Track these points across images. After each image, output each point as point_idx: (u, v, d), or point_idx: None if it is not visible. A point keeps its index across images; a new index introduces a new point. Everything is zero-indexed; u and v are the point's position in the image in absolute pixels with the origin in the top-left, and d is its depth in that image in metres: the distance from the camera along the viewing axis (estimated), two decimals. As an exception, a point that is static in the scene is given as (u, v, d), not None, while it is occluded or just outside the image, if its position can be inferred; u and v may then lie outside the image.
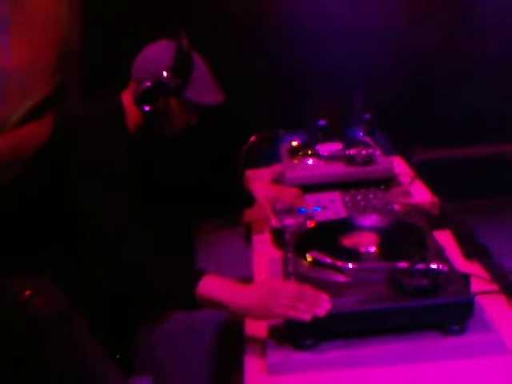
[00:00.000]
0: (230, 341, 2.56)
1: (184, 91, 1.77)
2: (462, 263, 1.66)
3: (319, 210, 1.96)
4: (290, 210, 1.97)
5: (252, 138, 3.72)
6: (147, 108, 1.74)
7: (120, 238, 1.51)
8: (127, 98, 1.79)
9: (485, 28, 4.52)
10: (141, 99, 1.74)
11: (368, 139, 2.64)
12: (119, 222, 1.54)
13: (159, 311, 3.05)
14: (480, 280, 1.55)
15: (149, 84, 1.72)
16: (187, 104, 1.80)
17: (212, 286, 1.39)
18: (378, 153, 2.28)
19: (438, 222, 1.94)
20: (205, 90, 1.81)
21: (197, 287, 1.38)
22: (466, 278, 1.36)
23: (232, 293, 1.38)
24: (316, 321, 1.27)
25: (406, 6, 4.58)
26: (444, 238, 1.77)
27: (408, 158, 2.83)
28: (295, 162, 2.35)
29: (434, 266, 1.33)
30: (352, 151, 2.26)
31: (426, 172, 3.00)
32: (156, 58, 1.77)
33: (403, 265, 1.35)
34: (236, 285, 1.41)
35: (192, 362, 2.78)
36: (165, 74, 1.72)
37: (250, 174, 2.20)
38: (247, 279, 1.68)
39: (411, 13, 4.61)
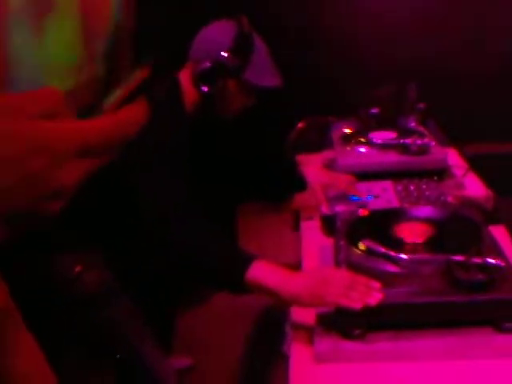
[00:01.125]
0: (271, 327, 2.55)
1: (243, 73, 1.75)
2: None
3: (371, 198, 1.93)
4: (342, 197, 1.95)
5: (300, 124, 3.71)
6: (206, 89, 1.73)
7: (176, 218, 1.51)
8: (185, 77, 1.78)
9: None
10: (199, 79, 1.73)
11: (422, 129, 2.58)
12: (176, 202, 1.54)
13: (202, 293, 3.07)
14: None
15: (208, 64, 1.71)
16: (246, 86, 1.79)
17: (263, 271, 1.38)
18: (432, 143, 2.23)
19: (493, 217, 1.88)
20: (264, 72, 1.80)
21: (247, 272, 1.37)
22: (521, 275, 1.32)
23: (283, 280, 1.37)
24: (366, 310, 1.25)
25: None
26: (498, 234, 1.73)
27: (461, 151, 2.77)
28: (348, 149, 2.32)
29: (490, 261, 1.29)
30: (407, 140, 2.22)
31: (479, 165, 2.94)
32: (216, 38, 1.76)
33: (459, 258, 1.32)
34: (287, 272, 1.39)
35: (232, 345, 2.79)
36: (225, 54, 1.71)
37: (302, 159, 2.17)
38: (292, 266, 1.66)
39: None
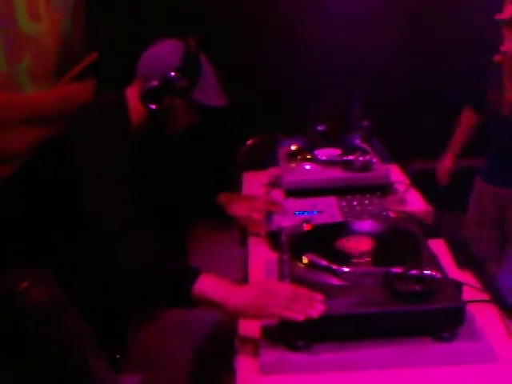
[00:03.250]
0: (221, 341, 2.57)
1: (190, 92, 1.78)
2: (454, 272, 1.68)
3: (316, 213, 1.97)
4: (287, 213, 1.99)
5: (249, 142, 3.75)
6: (153, 106, 1.75)
7: (123, 232, 1.53)
8: (132, 93, 1.81)
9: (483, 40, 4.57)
10: (147, 97, 1.75)
11: (366, 146, 2.65)
12: (124, 216, 1.56)
13: (151, 310, 3.06)
14: (471, 289, 1.57)
15: (156, 83, 1.74)
16: (192, 105, 1.82)
17: (208, 285, 1.42)
18: (375, 160, 2.30)
19: (432, 231, 1.95)
20: (210, 92, 1.83)
21: (193, 286, 1.41)
22: (458, 286, 1.38)
23: (228, 293, 1.41)
24: (309, 322, 1.29)
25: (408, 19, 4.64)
26: (437, 247, 1.79)
27: (404, 167, 2.85)
28: (293, 165, 2.36)
29: (427, 273, 1.35)
30: (350, 157, 2.28)
31: (420, 181, 3.02)
32: (164, 57, 1.78)
33: (397, 270, 1.37)
34: (231, 285, 1.43)
35: (183, 361, 2.80)
36: (172, 74, 1.74)
37: (224, 197, 2.20)
38: (241, 282, 1.69)
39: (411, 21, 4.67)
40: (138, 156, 1.76)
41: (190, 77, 1.76)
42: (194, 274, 1.43)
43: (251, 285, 1.59)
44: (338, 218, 1.92)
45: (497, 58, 2.70)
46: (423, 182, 2.93)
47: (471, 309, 1.44)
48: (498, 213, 2.94)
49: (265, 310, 1.36)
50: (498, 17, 2.67)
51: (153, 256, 1.51)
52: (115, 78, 1.96)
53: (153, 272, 1.48)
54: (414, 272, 1.35)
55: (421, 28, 4.69)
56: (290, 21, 4.56)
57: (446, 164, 3.30)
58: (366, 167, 2.23)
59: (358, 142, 2.98)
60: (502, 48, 2.64)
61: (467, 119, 3.15)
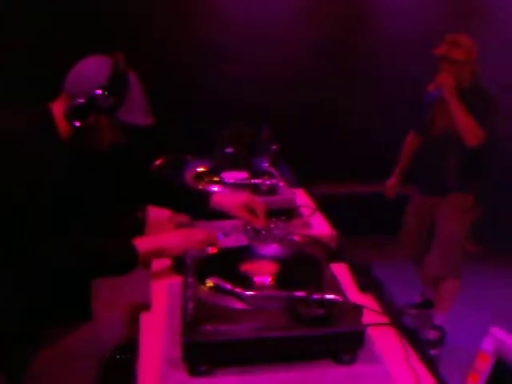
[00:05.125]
0: (122, 367, 2.50)
1: (116, 111, 1.76)
2: (356, 295, 1.71)
3: (221, 236, 1.97)
4: None
5: (158, 161, 3.71)
6: (78, 123, 1.72)
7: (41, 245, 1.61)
8: (58, 109, 1.77)
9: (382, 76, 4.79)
10: (72, 114, 1.72)
11: (273, 170, 2.68)
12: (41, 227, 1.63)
13: (50, 335, 2.94)
14: (372, 312, 1.61)
15: (82, 100, 1.71)
16: (118, 123, 1.79)
17: (146, 243, 1.79)
18: (281, 184, 2.33)
19: (336, 255, 1.99)
20: (137, 111, 1.81)
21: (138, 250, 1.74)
22: (358, 310, 1.41)
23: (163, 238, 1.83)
24: (212, 347, 1.28)
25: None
26: (340, 271, 1.83)
27: (310, 191, 2.90)
28: (200, 187, 2.36)
29: (329, 297, 1.37)
30: (257, 181, 2.30)
31: (326, 205, 3.09)
32: (91, 74, 1.74)
33: (300, 294, 1.38)
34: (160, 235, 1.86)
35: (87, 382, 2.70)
36: (99, 92, 1.71)
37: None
38: (142, 306, 1.68)
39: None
40: (70, 167, 1.78)
41: (116, 95, 1.74)
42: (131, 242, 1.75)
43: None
44: (244, 242, 1.93)
45: (430, 87, 3.32)
46: (330, 205, 2.99)
47: (372, 332, 1.48)
48: (425, 218, 3.56)
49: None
50: (435, 52, 3.26)
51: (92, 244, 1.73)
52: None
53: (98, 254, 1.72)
54: (316, 296, 1.37)
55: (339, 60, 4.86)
56: (202, 43, 4.59)
57: (391, 181, 3.84)
58: (272, 191, 2.26)
59: (265, 165, 3.01)
60: (437, 79, 3.24)
61: (410, 142, 3.75)
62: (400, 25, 4.71)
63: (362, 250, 3.12)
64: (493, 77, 3.32)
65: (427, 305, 3.73)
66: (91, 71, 1.76)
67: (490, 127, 3.23)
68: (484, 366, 0.98)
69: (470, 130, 3.19)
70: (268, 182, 2.26)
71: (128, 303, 2.03)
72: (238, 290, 1.43)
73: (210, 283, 1.47)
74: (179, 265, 1.77)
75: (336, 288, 1.47)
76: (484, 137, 3.20)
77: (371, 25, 4.84)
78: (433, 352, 3.31)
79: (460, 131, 3.22)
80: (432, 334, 3.45)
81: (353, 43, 4.84)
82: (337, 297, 1.38)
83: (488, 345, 0.99)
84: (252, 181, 2.34)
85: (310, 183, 3.70)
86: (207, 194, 2.15)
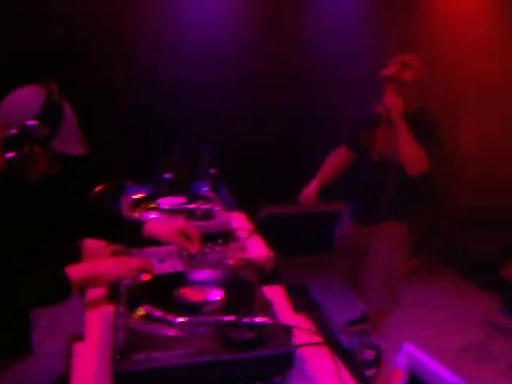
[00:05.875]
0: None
1: (50, 141, 1.75)
2: (290, 317, 1.73)
3: (157, 263, 1.97)
4: None
5: (97, 189, 3.68)
6: (10, 154, 1.70)
7: None
8: None
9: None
10: (5, 145, 1.70)
11: (210, 194, 2.70)
12: None
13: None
14: (306, 332, 1.63)
15: (14, 131, 1.69)
16: (52, 153, 1.79)
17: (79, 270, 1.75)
18: (217, 208, 2.35)
19: (272, 277, 2.02)
20: (71, 141, 1.81)
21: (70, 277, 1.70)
22: (288, 331, 1.43)
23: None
24: (143, 376, 1.28)
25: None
26: (275, 293, 1.85)
27: (253, 213, 2.92)
28: (136, 215, 2.35)
29: (258, 320, 1.39)
30: (192, 206, 2.31)
31: (270, 227, 3.11)
32: (24, 104, 1.74)
33: (230, 318, 1.40)
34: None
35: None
36: (32, 122, 1.70)
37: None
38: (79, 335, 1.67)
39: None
40: (5, 198, 1.78)
41: (49, 125, 1.74)
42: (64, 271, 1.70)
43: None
44: (179, 267, 1.94)
45: (376, 109, 3.06)
46: (273, 227, 3.02)
47: (305, 352, 1.50)
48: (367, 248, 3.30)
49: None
50: (382, 73, 3.09)
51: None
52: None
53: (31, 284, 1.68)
54: (246, 320, 1.39)
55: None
56: (138, 70, 4.58)
57: (311, 190, 3.45)
58: (208, 215, 2.27)
59: (205, 189, 3.03)
60: (386, 101, 3.02)
61: (339, 156, 3.47)
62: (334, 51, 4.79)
63: (304, 269, 3.18)
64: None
65: (364, 320, 3.71)
66: (24, 101, 1.76)
67: (435, 156, 3.05)
68: (399, 382, 1.02)
69: (414, 158, 3.00)
70: (203, 207, 2.28)
71: (68, 333, 2.00)
72: (169, 317, 1.44)
73: (141, 311, 1.47)
74: (114, 293, 1.77)
75: (267, 311, 1.49)
76: (428, 167, 3.01)
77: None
78: (368, 372, 3.20)
79: (403, 158, 3.01)
80: (368, 354, 3.39)
81: (283, 67, 4.89)
82: (266, 319, 1.40)
83: (402, 361, 1.03)
84: (188, 206, 2.35)
85: (253, 205, 3.72)
86: (141, 223, 2.14)
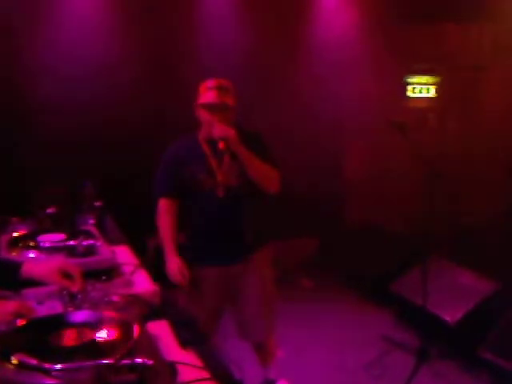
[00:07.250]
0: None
1: None
2: (176, 352, 1.69)
3: (35, 305, 1.88)
4: None
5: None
6: None
7: None
8: None
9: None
10: None
11: (92, 229, 2.62)
12: None
13: None
14: (192, 368, 1.59)
15: None
16: None
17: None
18: (99, 243, 2.28)
19: (158, 311, 1.97)
20: None
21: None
22: (171, 369, 1.40)
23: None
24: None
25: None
26: (161, 328, 1.81)
27: (143, 245, 2.86)
28: (14, 254, 2.23)
29: (139, 360, 1.34)
30: (73, 242, 2.23)
31: (160, 258, 3.06)
32: None
33: (109, 361, 1.35)
34: None
35: None
36: None
37: None
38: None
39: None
40: None
41: None
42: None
43: None
44: (58, 309, 1.85)
45: (221, 145, 2.84)
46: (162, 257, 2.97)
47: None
48: (227, 290, 3.13)
49: None
50: (207, 102, 2.90)
51: None
52: None
53: None
54: (125, 361, 1.34)
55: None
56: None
57: (174, 263, 3.00)
58: (90, 251, 2.20)
59: (91, 222, 2.95)
60: (216, 132, 2.84)
61: (167, 212, 3.10)
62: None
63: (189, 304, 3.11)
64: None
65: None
66: None
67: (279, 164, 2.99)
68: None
69: (269, 175, 2.94)
70: (85, 243, 2.20)
71: None
72: (46, 364, 1.36)
73: (14, 360, 1.39)
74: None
75: (149, 349, 1.45)
76: (280, 177, 2.98)
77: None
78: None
79: (258, 180, 2.91)
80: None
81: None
82: (147, 360, 1.36)
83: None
84: (68, 242, 2.26)
85: (142, 237, 3.66)
86: (18, 264, 2.04)
